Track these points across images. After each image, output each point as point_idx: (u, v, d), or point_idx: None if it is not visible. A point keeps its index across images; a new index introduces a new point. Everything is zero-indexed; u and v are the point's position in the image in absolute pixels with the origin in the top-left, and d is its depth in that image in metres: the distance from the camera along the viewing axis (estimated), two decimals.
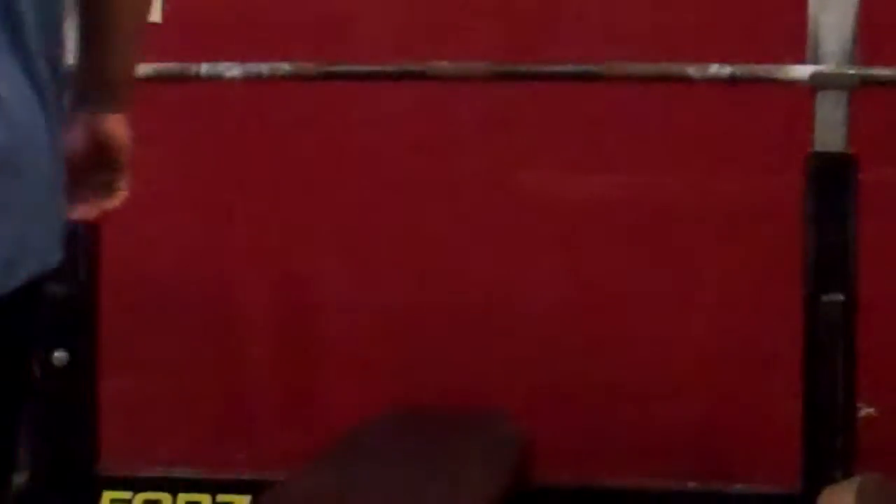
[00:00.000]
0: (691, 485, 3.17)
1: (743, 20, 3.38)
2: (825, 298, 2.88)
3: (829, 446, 2.89)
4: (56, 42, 2.09)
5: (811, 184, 2.89)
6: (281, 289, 3.81)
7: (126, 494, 3.10)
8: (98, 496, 3.09)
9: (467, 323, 3.64)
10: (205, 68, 3.12)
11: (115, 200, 2.50)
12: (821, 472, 2.84)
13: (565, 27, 3.55)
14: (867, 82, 2.92)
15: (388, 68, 3.32)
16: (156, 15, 3.64)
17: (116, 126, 2.33)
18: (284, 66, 3.13)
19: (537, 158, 3.67)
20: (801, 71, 2.92)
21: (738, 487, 3.15)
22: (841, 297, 2.88)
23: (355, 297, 3.71)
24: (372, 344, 3.70)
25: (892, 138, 3.07)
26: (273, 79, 3.15)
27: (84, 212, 2.32)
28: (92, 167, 2.12)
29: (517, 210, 3.66)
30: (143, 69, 3.06)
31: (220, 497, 3.12)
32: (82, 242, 3.03)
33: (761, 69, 3.01)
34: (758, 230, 3.44)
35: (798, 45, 2.92)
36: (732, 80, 3.02)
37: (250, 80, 3.10)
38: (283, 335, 3.82)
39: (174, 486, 3.13)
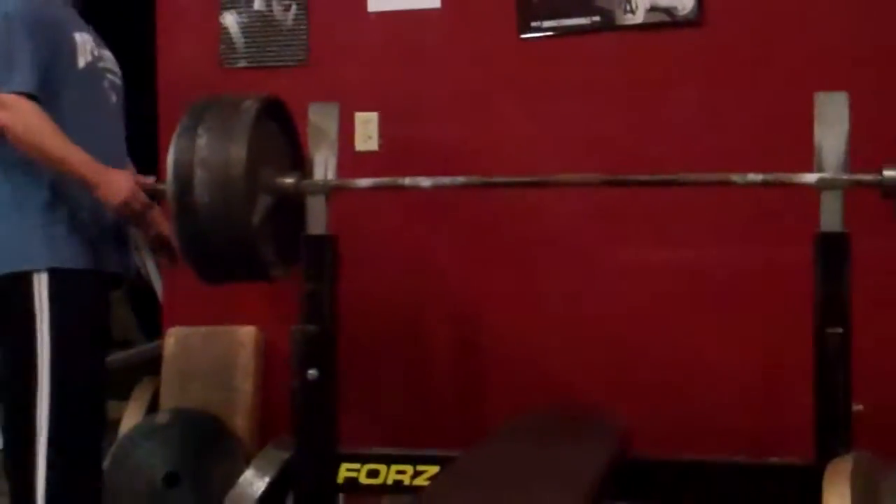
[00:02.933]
0: (739, 458, 3.08)
1: (772, 144, 3.36)
2: (829, 330, 2.79)
3: (834, 432, 2.81)
4: None
5: (818, 253, 2.81)
6: (460, 326, 3.80)
7: (356, 465, 3.10)
8: (338, 466, 3.11)
9: (584, 350, 3.66)
10: (407, 181, 3.12)
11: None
12: (829, 450, 2.77)
13: (649, 151, 3.55)
14: (854, 184, 2.84)
15: (529, 178, 3.32)
16: (374, 145, 3.78)
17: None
18: (460, 178, 3.17)
19: (631, 238, 3.66)
20: (810, 177, 2.84)
21: (772, 459, 3.04)
22: (840, 330, 2.78)
23: (515, 335, 3.73)
24: (523, 366, 3.71)
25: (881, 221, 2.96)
26: (452, 187, 3.18)
27: None
28: None
29: (613, 273, 3.65)
30: (366, 182, 3.19)
31: (419, 467, 3.08)
32: (326, 297, 3.06)
33: (783, 176, 2.93)
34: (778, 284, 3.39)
35: (807, 159, 2.84)
36: (764, 184, 2.94)
37: (438, 188, 3.13)
38: (460, 359, 3.82)
39: (387, 460, 3.11)
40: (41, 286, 2.97)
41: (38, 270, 2.98)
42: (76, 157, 2.96)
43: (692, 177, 3.17)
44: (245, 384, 3.91)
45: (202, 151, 2.88)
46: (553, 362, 3.69)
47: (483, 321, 3.78)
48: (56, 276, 2.98)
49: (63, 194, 3.02)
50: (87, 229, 3.05)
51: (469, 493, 2.49)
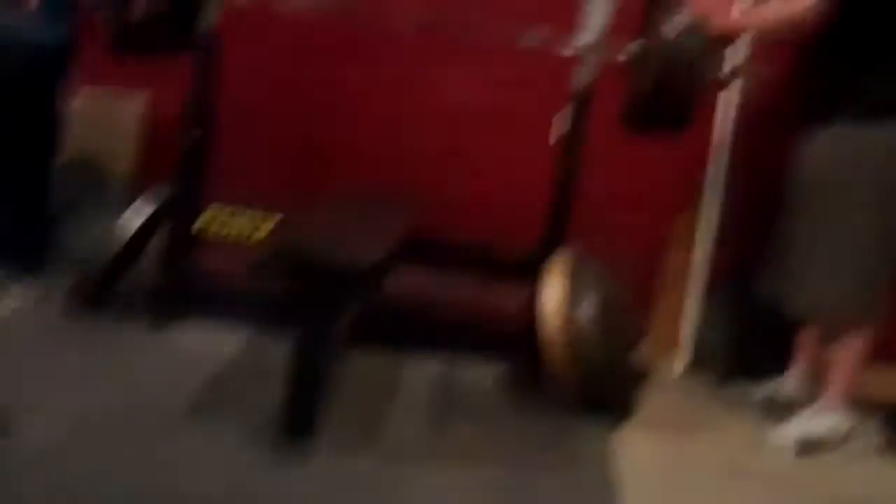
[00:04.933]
0: (492, 242, 3.36)
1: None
2: (567, 159, 3.09)
3: (556, 233, 3.15)
4: None
5: (573, 103, 3.10)
6: (314, 117, 3.77)
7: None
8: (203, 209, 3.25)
9: (403, 148, 3.74)
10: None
11: None
12: (552, 244, 3.09)
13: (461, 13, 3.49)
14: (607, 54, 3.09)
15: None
16: None
17: None
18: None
19: (444, 75, 3.72)
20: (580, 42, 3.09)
21: (513, 248, 3.30)
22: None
23: (356, 126, 3.77)
24: (359, 151, 3.76)
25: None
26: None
27: None
28: None
29: (430, 96, 3.72)
30: None
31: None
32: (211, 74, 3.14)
33: (560, 40, 3.13)
34: (541, 123, 3.33)
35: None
36: (545, 43, 3.15)
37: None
38: (312, 143, 3.78)
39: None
40: None
41: None
42: None
43: (495, 32, 3.32)
44: (130, 141, 3.84)
45: None
46: (380, 151, 3.76)
47: (332, 116, 3.78)
48: None
49: None
50: None
51: (300, 238, 2.68)
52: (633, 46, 3.13)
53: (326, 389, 2.57)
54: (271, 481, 2.32)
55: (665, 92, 2.97)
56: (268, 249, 2.56)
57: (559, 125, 3.18)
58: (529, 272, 3.08)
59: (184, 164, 3.18)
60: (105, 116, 3.86)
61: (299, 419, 2.48)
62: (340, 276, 2.49)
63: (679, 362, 3.64)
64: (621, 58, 3.11)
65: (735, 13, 3.17)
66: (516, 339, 3.13)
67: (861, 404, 3.14)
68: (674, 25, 2.96)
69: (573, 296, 2.94)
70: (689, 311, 3.66)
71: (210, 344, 3.09)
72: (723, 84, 3.52)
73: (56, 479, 2.16)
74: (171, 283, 3.18)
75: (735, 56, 3.44)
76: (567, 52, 3.13)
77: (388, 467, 2.49)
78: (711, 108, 3.58)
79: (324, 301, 2.51)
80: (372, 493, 2.37)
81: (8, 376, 2.59)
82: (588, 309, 2.93)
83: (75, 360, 2.81)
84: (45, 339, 2.96)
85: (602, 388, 2.98)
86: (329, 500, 2.31)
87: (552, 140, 3.18)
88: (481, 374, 3.20)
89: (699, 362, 3.62)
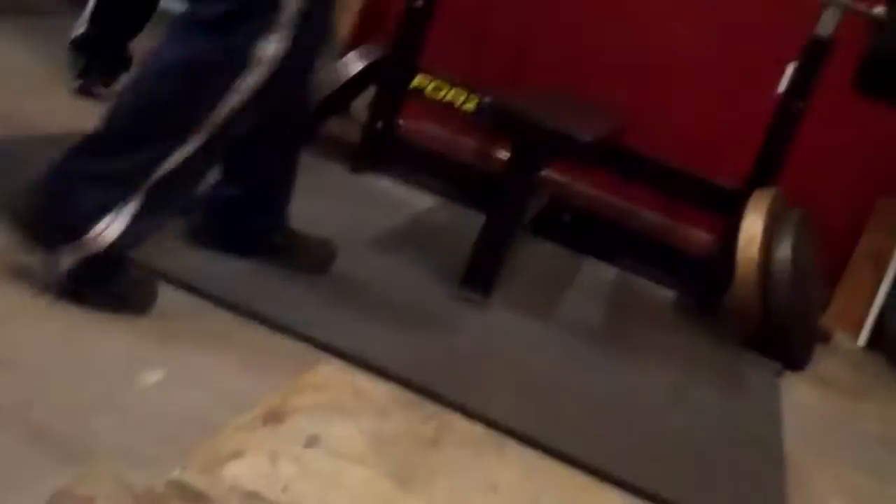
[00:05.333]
0: (694, 169, 3.19)
1: None
2: (794, 100, 2.98)
3: (764, 173, 3.03)
4: None
5: (809, 49, 2.97)
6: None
7: (428, 78, 3.24)
8: (414, 73, 3.23)
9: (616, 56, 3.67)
10: None
11: None
12: (757, 181, 2.99)
13: None
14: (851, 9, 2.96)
15: None
16: None
17: None
18: None
19: None
20: None
21: (717, 177, 3.19)
22: (801, 104, 2.97)
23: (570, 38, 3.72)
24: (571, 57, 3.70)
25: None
26: None
27: None
28: None
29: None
30: None
31: (471, 96, 3.19)
32: None
33: None
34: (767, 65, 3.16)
35: None
36: None
37: None
38: (528, 34, 3.74)
39: (452, 82, 3.21)
40: None
41: None
42: None
43: None
44: (350, 7, 3.81)
45: None
46: (592, 65, 3.67)
47: (550, 22, 3.75)
48: None
49: None
50: None
51: (523, 102, 2.64)
52: (883, 8, 2.95)
53: (511, 254, 2.54)
54: (451, 313, 2.32)
55: None
56: (488, 101, 2.49)
57: (790, 71, 3.05)
58: (729, 206, 3.02)
59: (403, 28, 3.19)
60: None
61: (482, 272, 2.46)
62: (554, 138, 2.42)
63: (858, 340, 3.46)
64: (868, 15, 2.94)
65: None
66: (702, 266, 3.07)
67: None
68: None
69: (773, 233, 2.85)
70: (878, 295, 3.48)
71: (407, 195, 3.20)
72: None
73: None
74: (377, 135, 3.21)
75: None
76: None
77: (560, 333, 2.49)
78: None
79: (534, 158, 2.48)
80: (543, 348, 2.34)
81: None
82: (785, 249, 2.84)
83: None
84: None
85: (781, 331, 2.85)
86: (504, 342, 2.29)
87: (780, 87, 3.06)
88: (659, 291, 3.18)
89: (879, 345, 3.44)
